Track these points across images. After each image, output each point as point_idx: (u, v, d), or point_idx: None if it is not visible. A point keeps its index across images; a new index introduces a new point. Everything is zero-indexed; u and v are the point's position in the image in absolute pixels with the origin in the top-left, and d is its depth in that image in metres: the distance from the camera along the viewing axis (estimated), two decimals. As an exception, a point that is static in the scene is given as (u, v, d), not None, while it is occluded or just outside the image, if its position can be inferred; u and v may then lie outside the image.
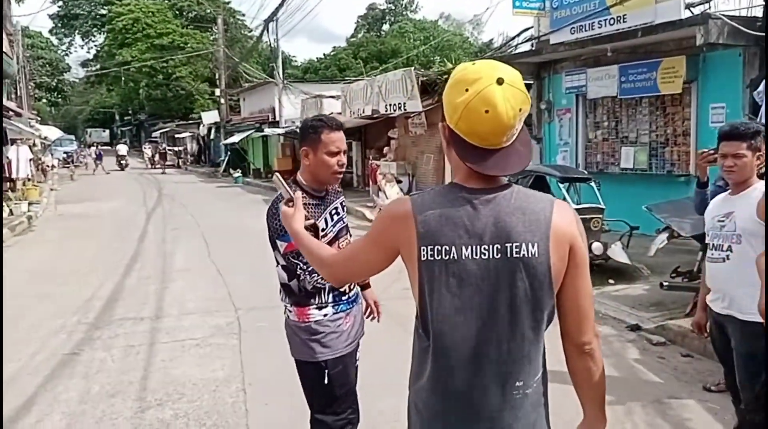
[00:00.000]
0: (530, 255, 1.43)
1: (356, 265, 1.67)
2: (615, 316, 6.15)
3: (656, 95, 9.17)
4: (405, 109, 14.10)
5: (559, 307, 1.51)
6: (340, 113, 17.50)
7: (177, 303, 6.90)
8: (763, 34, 7.27)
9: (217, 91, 32.42)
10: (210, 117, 33.10)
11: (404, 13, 52.21)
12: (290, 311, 2.56)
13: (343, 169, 2.53)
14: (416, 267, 1.46)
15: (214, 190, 22.99)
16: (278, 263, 2.54)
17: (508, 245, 1.43)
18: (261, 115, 27.72)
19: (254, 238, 9.15)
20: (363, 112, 16.30)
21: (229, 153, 29.37)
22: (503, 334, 1.45)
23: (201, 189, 23.52)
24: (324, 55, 50.15)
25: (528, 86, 12.37)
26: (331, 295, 2.51)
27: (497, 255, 1.43)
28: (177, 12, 45.33)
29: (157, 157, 35.42)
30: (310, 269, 2.38)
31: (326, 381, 2.50)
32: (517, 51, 11.67)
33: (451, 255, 1.43)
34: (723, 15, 7.54)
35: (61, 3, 48.44)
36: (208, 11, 38.59)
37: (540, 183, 8.01)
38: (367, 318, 2.86)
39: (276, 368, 4.75)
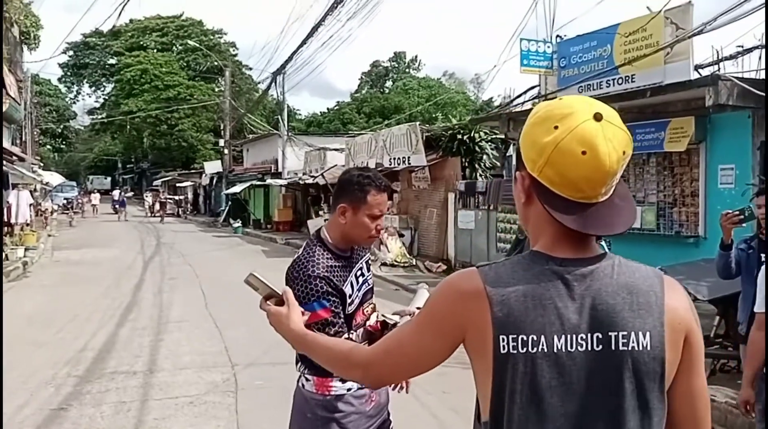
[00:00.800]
0: (641, 348, 1.12)
1: (404, 359, 1.25)
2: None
3: (663, 155, 9.13)
4: (409, 163, 14.11)
5: (669, 412, 1.18)
6: (343, 166, 17.52)
7: (172, 356, 6.63)
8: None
9: (221, 142, 32.68)
10: (213, 167, 33.26)
11: (407, 70, 53.41)
12: (307, 379, 2.24)
13: (380, 233, 2.30)
14: (490, 361, 1.12)
15: (213, 239, 22.81)
16: None
17: (612, 335, 1.11)
18: (264, 166, 27.85)
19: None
20: (367, 165, 16.29)
21: (230, 203, 29.37)
22: None
23: (200, 238, 23.34)
24: (327, 109, 50.96)
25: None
26: None
27: (598, 347, 1.11)
28: (185, 64, 46.29)
29: (157, 206, 35.38)
30: (341, 336, 2.11)
31: None
32: (523, 109, 11.73)
33: (540, 347, 1.10)
34: (733, 77, 7.55)
35: (71, 53, 49.48)
36: (215, 63, 39.34)
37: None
38: (393, 390, 2.49)
39: (275, 431, 4.49)
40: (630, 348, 1.11)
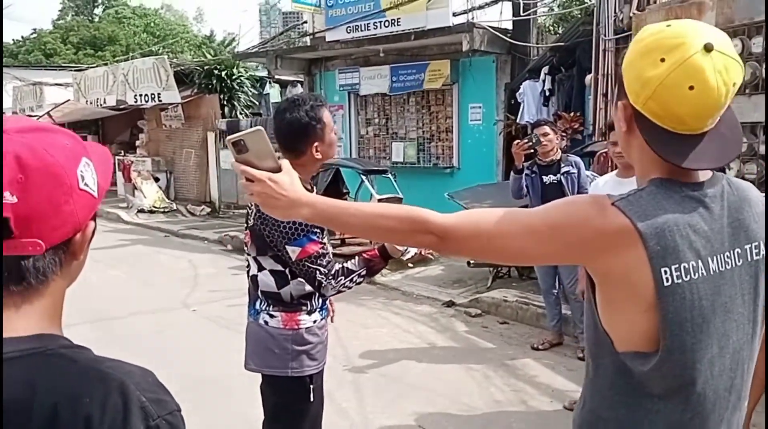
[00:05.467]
0: (765, 253, 1.21)
1: (496, 250, 1.24)
2: (428, 296, 6.66)
3: (422, 94, 10.07)
4: (160, 101, 13.11)
5: None
6: (71, 101, 15.52)
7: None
8: (516, 42, 8.53)
9: None
10: None
11: (118, -3, 48.14)
12: (271, 316, 2.21)
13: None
14: (650, 295, 1.11)
15: None
16: (262, 268, 2.20)
17: (747, 247, 1.19)
18: (-50, 103, 23.09)
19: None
20: (105, 102, 14.69)
21: None
22: (746, 356, 1.22)
23: None
24: (22, 37, 43.67)
25: (299, 82, 12.56)
26: (320, 299, 2.27)
27: (739, 261, 1.18)
28: None
29: None
30: (333, 272, 2.10)
31: (311, 398, 2.26)
32: (294, 47, 11.73)
33: (699, 272, 1.12)
34: (487, 25, 8.63)
35: None
36: None
37: (335, 176, 8.23)
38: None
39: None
40: (760, 256, 1.20)
